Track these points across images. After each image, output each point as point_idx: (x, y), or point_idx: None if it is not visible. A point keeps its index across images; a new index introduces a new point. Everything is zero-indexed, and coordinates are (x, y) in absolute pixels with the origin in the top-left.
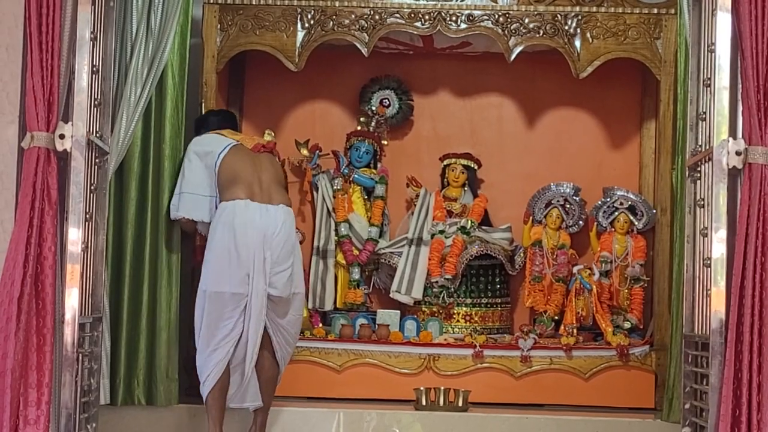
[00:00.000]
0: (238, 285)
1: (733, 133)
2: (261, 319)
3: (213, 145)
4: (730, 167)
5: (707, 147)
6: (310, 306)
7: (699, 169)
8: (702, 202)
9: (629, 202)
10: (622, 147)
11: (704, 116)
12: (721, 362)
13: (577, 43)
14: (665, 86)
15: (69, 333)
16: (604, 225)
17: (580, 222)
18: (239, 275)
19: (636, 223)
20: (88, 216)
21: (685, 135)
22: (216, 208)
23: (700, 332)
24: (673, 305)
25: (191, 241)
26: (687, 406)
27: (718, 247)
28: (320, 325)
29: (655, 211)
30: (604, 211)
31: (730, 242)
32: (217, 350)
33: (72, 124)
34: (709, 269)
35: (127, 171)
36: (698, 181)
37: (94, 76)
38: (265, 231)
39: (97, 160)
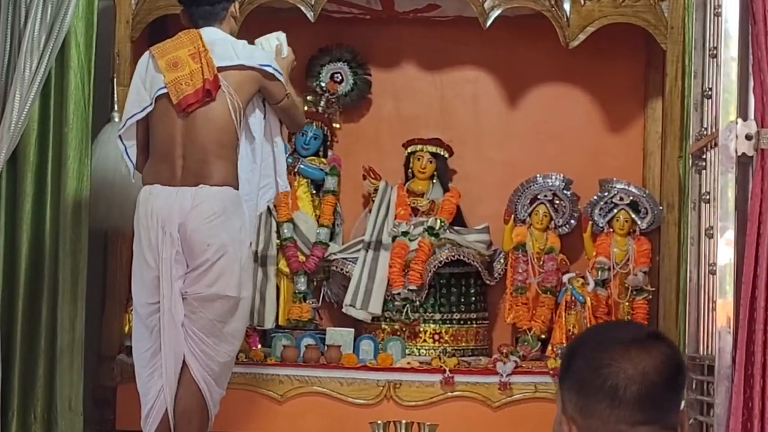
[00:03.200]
0: (151, 292)
1: (743, 113)
2: (176, 331)
3: (148, 84)
4: (740, 154)
5: (713, 130)
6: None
7: (704, 156)
8: (707, 197)
9: (631, 197)
10: (622, 131)
11: (710, 93)
12: (728, 389)
13: (567, 5)
14: (672, 57)
15: None
16: (600, 225)
17: (572, 221)
18: (149, 278)
19: (639, 222)
20: None
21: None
22: None
23: (705, 352)
24: (681, 320)
25: (103, 243)
26: None
27: (725, 250)
28: (259, 346)
29: (661, 207)
30: (601, 208)
31: (740, 244)
32: (154, 377)
33: None
34: (714, 277)
35: (21, 161)
36: (703, 172)
37: None
38: (169, 219)
39: None
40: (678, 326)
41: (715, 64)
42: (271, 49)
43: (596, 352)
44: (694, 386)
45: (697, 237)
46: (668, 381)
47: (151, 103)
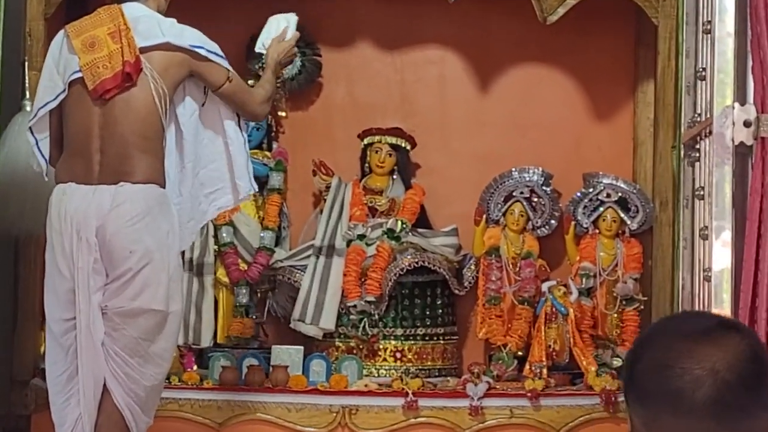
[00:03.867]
0: (66, 306)
1: (741, 97)
2: (94, 352)
3: (62, 68)
4: (737, 143)
5: (707, 116)
6: (181, 341)
7: (697, 147)
8: (701, 192)
9: (619, 194)
10: (609, 118)
11: (703, 74)
12: None
13: None
14: (664, 33)
15: None
16: (584, 225)
17: (552, 221)
18: (63, 291)
19: (628, 222)
20: None
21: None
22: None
23: None
24: None
25: (14, 249)
26: None
27: (721, 253)
28: (194, 367)
29: (653, 205)
30: (585, 207)
31: (738, 246)
32: (71, 404)
33: None
34: (709, 284)
35: None
36: (696, 164)
37: None
38: (85, 222)
39: None
40: None
41: (709, 41)
42: (278, 31)
43: (657, 352)
44: None
45: (690, 238)
46: (746, 379)
47: (64, 89)
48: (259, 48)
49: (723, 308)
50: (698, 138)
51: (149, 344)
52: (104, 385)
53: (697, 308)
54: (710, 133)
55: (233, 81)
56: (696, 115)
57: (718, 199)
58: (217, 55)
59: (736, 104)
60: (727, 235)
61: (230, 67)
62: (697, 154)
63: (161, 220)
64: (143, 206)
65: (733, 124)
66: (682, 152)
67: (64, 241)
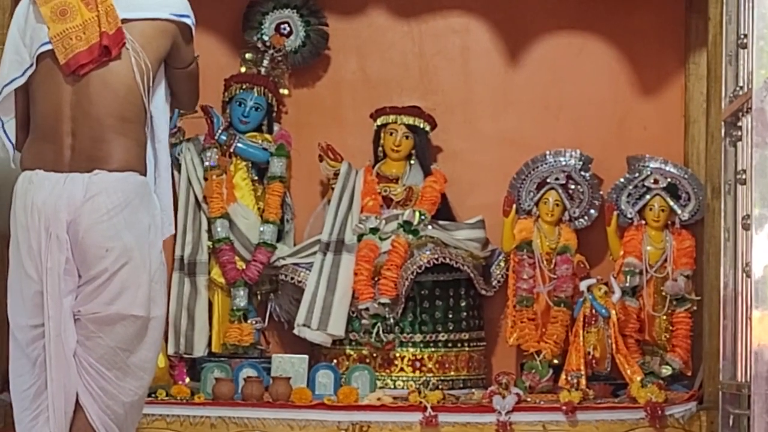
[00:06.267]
0: (33, 312)
1: None
2: (66, 363)
3: (29, 39)
4: None
5: (747, 89)
6: (171, 351)
7: (739, 124)
8: (743, 176)
9: (668, 179)
10: (656, 93)
11: (745, 42)
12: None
13: None
14: None
15: None
16: (629, 216)
17: (592, 211)
18: (30, 294)
19: (679, 211)
20: None
21: None
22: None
23: (744, 379)
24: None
25: None
26: None
27: (764, 246)
28: (186, 380)
29: (706, 192)
30: (630, 194)
31: None
32: (39, 422)
33: None
34: (750, 280)
35: None
36: (738, 144)
37: None
38: (54, 216)
39: None
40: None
41: (750, 4)
42: None
43: None
44: (731, 423)
45: (733, 229)
46: None
47: (32, 64)
48: None
49: (765, 308)
50: (740, 114)
51: (128, 355)
52: (77, 401)
53: (739, 308)
54: (751, 108)
55: (196, 61)
56: (738, 88)
57: (759, 184)
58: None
59: None
60: None
61: None
62: (739, 133)
63: (142, 213)
64: (121, 197)
65: None
66: (722, 130)
67: (30, 238)
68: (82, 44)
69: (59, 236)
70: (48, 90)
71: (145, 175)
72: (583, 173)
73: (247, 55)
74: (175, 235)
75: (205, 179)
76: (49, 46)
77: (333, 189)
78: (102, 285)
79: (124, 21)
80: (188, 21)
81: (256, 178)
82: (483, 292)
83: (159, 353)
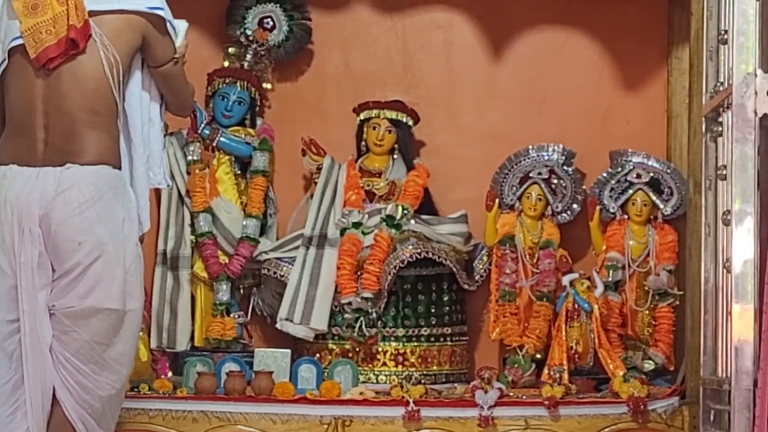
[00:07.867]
0: (8, 306)
1: (765, 63)
2: (42, 358)
3: (2, 34)
4: (760, 115)
5: (727, 84)
6: (153, 344)
7: (720, 119)
8: (724, 172)
9: (650, 174)
10: (639, 88)
11: (725, 37)
12: (749, 421)
13: None
14: None
15: None
16: (611, 210)
17: (575, 206)
18: (5, 289)
19: (661, 206)
20: None
21: None
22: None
23: (725, 374)
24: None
25: None
26: None
27: (744, 240)
28: (168, 374)
29: (688, 187)
30: (613, 189)
31: (764, 233)
32: (17, 417)
33: None
34: (730, 275)
35: None
36: (719, 139)
37: None
38: (27, 210)
39: None
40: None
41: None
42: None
43: None
44: (712, 418)
45: (713, 224)
46: None
47: (4, 59)
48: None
49: (746, 303)
50: (720, 110)
51: (105, 348)
52: (54, 395)
53: (720, 303)
54: (731, 104)
55: (179, 63)
56: (718, 84)
57: (739, 179)
58: (173, 26)
59: (759, 71)
60: (750, 221)
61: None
62: (720, 128)
63: (115, 206)
64: (93, 191)
65: (756, 93)
66: (703, 125)
67: (4, 232)
68: (52, 38)
69: (32, 230)
70: (20, 84)
71: (119, 168)
72: (565, 168)
73: (231, 50)
74: (157, 230)
75: (188, 173)
76: (20, 41)
77: (316, 183)
78: (76, 279)
79: (95, 13)
80: (161, 13)
81: (239, 172)
82: (466, 286)
83: (137, 346)
